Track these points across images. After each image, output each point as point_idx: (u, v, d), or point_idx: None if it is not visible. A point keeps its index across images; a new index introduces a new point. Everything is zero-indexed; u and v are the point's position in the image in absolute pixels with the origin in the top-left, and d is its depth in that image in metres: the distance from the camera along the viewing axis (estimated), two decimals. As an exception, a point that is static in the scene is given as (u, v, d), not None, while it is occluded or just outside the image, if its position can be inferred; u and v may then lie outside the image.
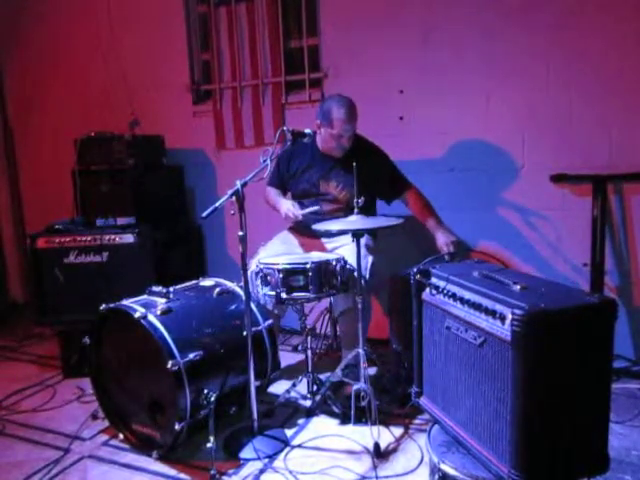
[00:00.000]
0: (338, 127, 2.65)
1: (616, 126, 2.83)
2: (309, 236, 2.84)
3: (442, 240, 2.63)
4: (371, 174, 2.71)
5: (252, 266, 2.51)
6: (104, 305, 2.30)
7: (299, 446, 2.30)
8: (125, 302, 2.28)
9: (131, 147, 3.28)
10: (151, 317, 2.15)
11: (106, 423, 2.45)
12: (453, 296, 1.84)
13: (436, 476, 1.80)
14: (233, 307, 2.45)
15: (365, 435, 2.29)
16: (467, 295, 1.77)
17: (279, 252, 2.72)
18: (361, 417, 2.38)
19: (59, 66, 4.16)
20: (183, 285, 2.53)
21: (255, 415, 2.27)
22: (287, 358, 3.14)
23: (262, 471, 2.13)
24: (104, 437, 2.43)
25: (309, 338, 2.64)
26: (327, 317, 3.20)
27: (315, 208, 2.71)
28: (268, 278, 2.39)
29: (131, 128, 3.87)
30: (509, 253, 3.11)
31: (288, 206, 2.71)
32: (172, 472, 2.16)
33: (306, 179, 2.84)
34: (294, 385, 2.66)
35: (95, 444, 2.39)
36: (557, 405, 1.55)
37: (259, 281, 2.44)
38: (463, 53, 3.07)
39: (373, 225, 2.50)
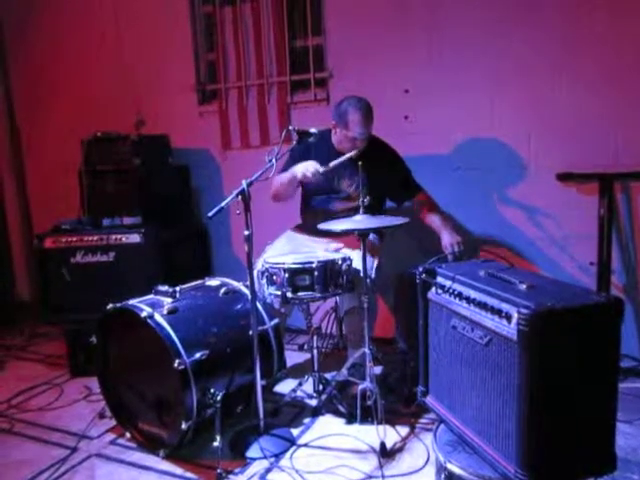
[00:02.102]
0: (354, 130, 2.64)
1: (623, 124, 2.82)
2: (316, 234, 2.83)
3: (447, 240, 2.63)
4: (384, 175, 2.70)
5: (259, 265, 2.51)
6: (111, 304, 2.31)
7: (305, 445, 2.30)
8: (131, 302, 2.29)
9: (137, 147, 3.30)
10: (157, 316, 2.16)
11: (113, 422, 2.47)
12: (459, 295, 1.84)
13: (442, 475, 1.80)
14: (239, 306, 2.46)
15: (371, 434, 2.29)
16: (473, 294, 1.76)
17: (286, 251, 2.72)
18: (367, 416, 2.38)
19: (65, 66, 4.17)
20: (189, 285, 2.53)
21: (261, 414, 2.27)
22: (293, 357, 3.15)
23: (268, 470, 2.13)
24: (111, 436, 2.44)
25: (315, 337, 2.64)
26: (333, 316, 3.20)
27: (342, 159, 2.54)
28: (274, 277, 2.40)
29: (137, 128, 3.88)
30: (515, 252, 3.10)
31: (306, 165, 2.53)
32: (179, 471, 2.17)
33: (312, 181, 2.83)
34: (300, 384, 2.66)
35: (102, 443, 2.40)
36: (563, 404, 1.55)
37: (265, 280, 2.44)
38: (468, 52, 3.06)
39: (378, 224, 2.49)
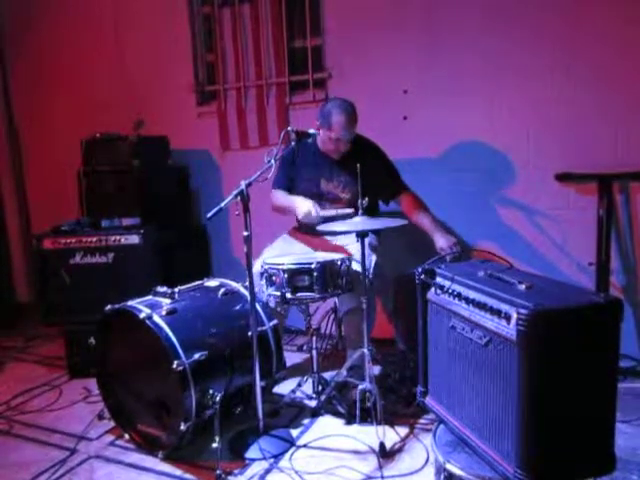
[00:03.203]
0: (337, 131, 2.65)
1: (622, 125, 2.82)
2: (313, 234, 2.83)
3: (444, 242, 2.61)
4: (369, 173, 2.70)
5: (256, 266, 2.51)
6: (109, 306, 2.31)
7: (305, 446, 2.30)
8: (130, 303, 2.28)
9: (136, 148, 3.30)
10: (156, 317, 2.16)
11: (112, 423, 2.46)
12: (458, 296, 1.83)
13: (442, 476, 1.80)
14: (238, 307, 2.46)
15: (370, 435, 2.29)
16: (472, 295, 1.76)
17: (284, 252, 2.72)
18: (366, 417, 2.38)
19: (65, 67, 4.18)
20: (188, 286, 2.53)
21: (260, 415, 2.27)
22: (292, 358, 3.15)
23: (268, 471, 2.13)
24: (110, 437, 2.44)
25: (314, 338, 2.64)
26: (332, 317, 3.20)
27: (332, 213, 2.64)
28: (273, 278, 2.40)
29: (136, 129, 3.88)
30: (514, 252, 3.08)
31: (309, 207, 2.60)
32: (178, 472, 2.16)
33: (307, 179, 2.84)
34: (299, 385, 2.67)
35: (101, 444, 2.40)
36: (562, 405, 1.55)
37: (264, 281, 2.44)
38: (467, 53, 3.06)
39: (378, 226, 2.50)
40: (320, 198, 2.81)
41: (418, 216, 2.75)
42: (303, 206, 2.63)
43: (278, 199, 2.88)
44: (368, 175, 2.63)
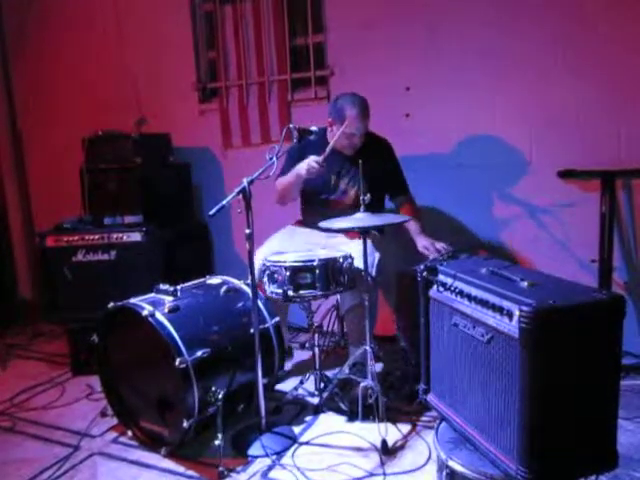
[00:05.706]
0: (351, 126, 2.64)
1: (625, 121, 2.81)
2: (316, 229, 2.82)
3: (425, 241, 2.65)
4: (379, 170, 2.70)
5: (259, 256, 2.50)
6: (112, 303, 2.31)
7: (307, 443, 2.31)
8: (133, 300, 2.29)
9: (138, 146, 3.30)
10: (158, 315, 2.16)
11: (115, 420, 2.47)
12: (460, 293, 1.83)
13: (444, 473, 1.80)
14: (240, 305, 2.46)
15: (372, 432, 2.29)
16: (474, 292, 1.76)
17: (288, 242, 2.72)
18: (368, 414, 2.38)
19: (67, 65, 4.17)
20: (190, 283, 2.54)
21: (263, 412, 2.28)
22: (295, 355, 3.15)
23: (270, 468, 2.14)
24: (113, 434, 2.45)
25: (316, 335, 2.64)
26: (334, 314, 3.20)
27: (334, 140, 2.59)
28: (275, 276, 2.40)
29: (138, 127, 3.87)
30: (516, 249, 3.10)
31: (307, 161, 2.55)
32: (180, 469, 2.17)
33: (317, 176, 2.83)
34: (302, 382, 2.67)
35: (104, 441, 2.40)
36: (565, 402, 1.55)
37: (266, 278, 2.44)
38: (469, 49, 3.06)
39: (379, 223, 2.49)
40: (329, 194, 2.80)
41: (410, 222, 2.74)
42: (304, 164, 2.58)
43: (282, 181, 2.79)
44: (378, 172, 2.64)
